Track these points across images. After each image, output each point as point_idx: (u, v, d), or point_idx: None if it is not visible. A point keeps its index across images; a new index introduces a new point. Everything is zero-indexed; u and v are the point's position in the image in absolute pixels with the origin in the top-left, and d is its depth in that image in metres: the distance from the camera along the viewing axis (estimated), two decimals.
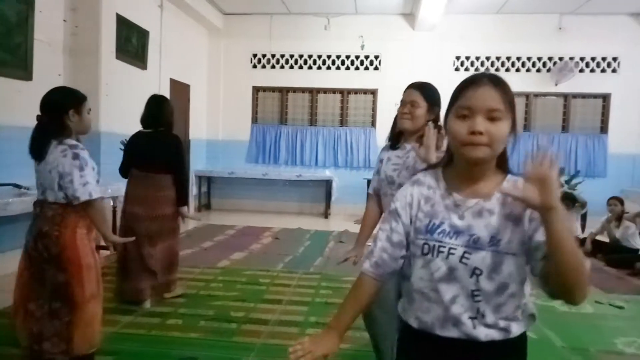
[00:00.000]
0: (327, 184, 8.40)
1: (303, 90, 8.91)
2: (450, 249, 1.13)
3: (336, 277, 4.35)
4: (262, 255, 5.27)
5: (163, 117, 3.48)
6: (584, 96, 8.31)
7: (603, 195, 6.30)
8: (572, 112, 8.37)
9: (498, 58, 8.40)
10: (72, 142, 2.23)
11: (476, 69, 8.34)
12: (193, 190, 7.99)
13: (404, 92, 2.17)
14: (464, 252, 1.12)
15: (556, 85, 8.18)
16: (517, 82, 8.17)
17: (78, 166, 2.16)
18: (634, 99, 8.10)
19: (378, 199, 2.34)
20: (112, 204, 4.93)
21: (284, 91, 8.97)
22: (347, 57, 8.71)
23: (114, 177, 3.81)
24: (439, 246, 1.15)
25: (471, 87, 1.13)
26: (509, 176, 1.17)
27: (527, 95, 8.38)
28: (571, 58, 8.13)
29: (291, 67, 8.87)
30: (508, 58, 8.38)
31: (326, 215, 8.46)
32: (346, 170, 8.75)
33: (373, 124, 8.76)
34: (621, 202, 5.88)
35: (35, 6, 4.49)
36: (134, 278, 3.41)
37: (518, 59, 8.36)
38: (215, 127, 9.05)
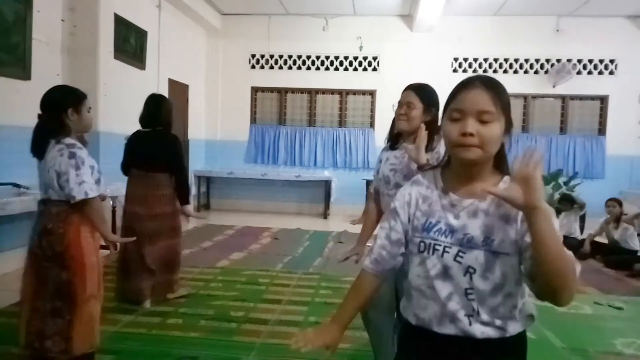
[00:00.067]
0: (326, 184, 8.41)
1: (302, 90, 8.92)
2: (445, 247, 1.16)
3: (335, 278, 4.35)
4: (262, 256, 5.26)
5: (161, 117, 3.47)
6: (581, 98, 8.34)
7: (601, 197, 6.32)
8: (570, 113, 8.40)
9: (496, 60, 8.42)
10: (70, 141, 2.23)
11: (474, 71, 8.37)
12: (192, 190, 7.97)
13: (402, 93, 2.18)
14: (458, 251, 1.14)
15: (554, 87, 8.21)
16: (514, 83, 8.22)
17: (74, 165, 2.15)
18: (631, 101, 8.13)
19: (378, 198, 2.35)
20: (111, 203, 4.92)
21: (282, 92, 8.97)
22: (346, 58, 8.72)
23: (112, 176, 3.79)
24: (435, 244, 1.17)
25: (463, 90, 1.15)
26: (507, 177, 1.17)
27: (525, 97, 8.41)
28: (569, 60, 8.17)
29: (290, 67, 8.88)
30: (506, 60, 8.41)
31: (325, 215, 8.47)
32: (345, 171, 8.76)
33: (372, 124, 8.77)
34: (620, 203, 5.90)
35: (33, 6, 4.49)
36: (134, 278, 3.40)
37: (516, 60, 8.39)
38: (214, 127, 9.05)
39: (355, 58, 8.71)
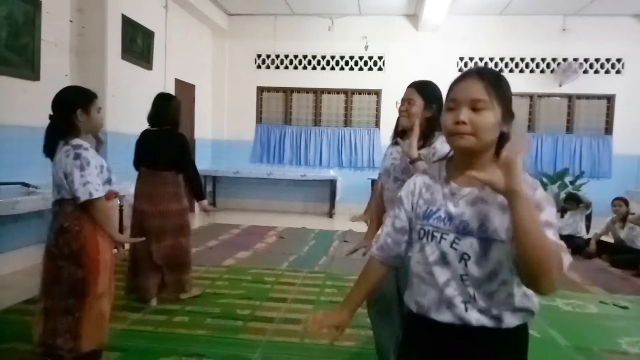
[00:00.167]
0: (332, 183, 8.43)
1: (307, 90, 8.94)
2: (442, 234, 1.19)
3: (341, 276, 4.37)
4: (267, 254, 5.29)
5: (169, 115, 3.49)
6: (588, 97, 8.30)
7: (608, 196, 6.30)
8: (577, 113, 8.36)
9: (502, 59, 8.40)
10: (78, 142, 2.25)
11: None
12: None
13: (405, 90, 2.22)
14: (455, 238, 1.17)
15: (560, 86, 8.18)
16: (521, 83, 8.20)
17: (79, 166, 2.18)
18: (638, 100, 8.07)
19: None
20: (118, 202, 4.97)
21: (288, 91, 9.00)
22: (351, 57, 8.73)
23: (120, 176, 3.83)
24: (433, 231, 1.21)
25: (459, 80, 1.20)
26: None
27: (531, 96, 8.38)
28: (575, 59, 8.13)
29: (295, 67, 8.90)
30: (512, 59, 8.38)
31: (330, 214, 8.49)
32: (350, 170, 8.77)
33: (377, 124, 8.77)
34: (626, 202, 5.88)
35: (42, 7, 4.54)
36: (141, 275, 3.44)
37: (522, 60, 8.36)
38: (220, 127, 9.09)
39: (361, 58, 8.71)
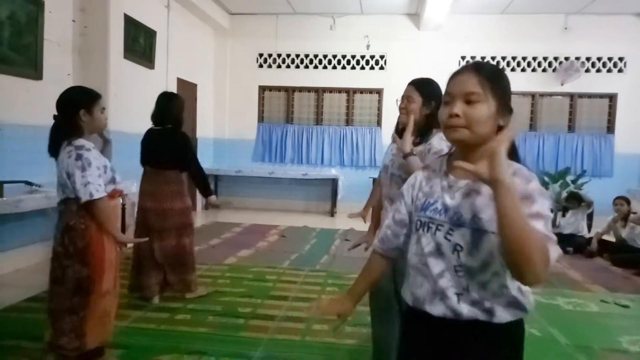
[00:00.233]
0: (333, 182, 8.45)
1: (309, 89, 8.95)
2: (438, 225, 1.20)
3: (342, 275, 4.39)
4: (269, 253, 5.31)
5: (171, 114, 3.50)
6: (590, 96, 8.29)
7: (610, 195, 6.29)
8: (579, 112, 8.35)
9: (503, 58, 8.40)
10: (80, 142, 2.26)
11: None
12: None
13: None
14: (449, 229, 1.18)
15: (562, 85, 8.18)
16: (522, 82, 8.21)
17: (80, 167, 2.19)
18: None
19: None
20: (121, 201, 4.99)
21: (289, 90, 9.01)
22: (353, 56, 8.74)
23: (122, 175, 3.86)
24: (429, 222, 1.23)
25: (455, 75, 1.22)
26: (510, 162, 1.18)
27: (532, 95, 8.38)
28: (577, 58, 8.12)
29: (297, 66, 8.91)
30: (514, 58, 8.38)
31: (332, 213, 8.50)
32: (352, 169, 8.78)
33: (379, 123, 8.78)
34: (627, 201, 5.88)
35: (44, 7, 4.55)
36: (144, 273, 3.47)
37: (524, 58, 8.36)
38: (222, 125, 9.11)
39: (363, 57, 8.72)
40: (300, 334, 3.06)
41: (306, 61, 8.87)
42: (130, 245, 3.29)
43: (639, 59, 8.04)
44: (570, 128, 8.38)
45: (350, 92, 8.84)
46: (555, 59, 8.25)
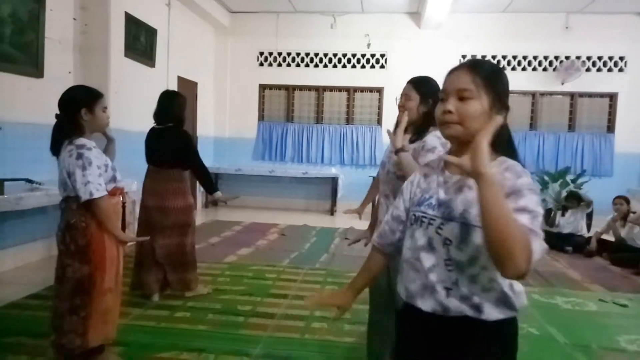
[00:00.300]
0: (333, 181, 8.45)
1: (309, 88, 8.95)
2: (430, 219, 1.22)
3: (341, 273, 4.40)
4: (269, 251, 5.32)
5: (173, 112, 3.50)
6: (590, 95, 8.29)
7: (609, 195, 6.29)
8: (579, 111, 8.35)
9: (504, 57, 8.39)
10: (81, 141, 2.27)
11: None
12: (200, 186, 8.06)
13: None
14: (440, 223, 1.20)
15: (562, 84, 8.17)
16: (523, 81, 8.22)
17: (80, 166, 2.20)
18: None
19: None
20: (121, 199, 5.00)
21: (290, 89, 9.02)
22: (353, 55, 8.74)
23: (122, 173, 3.87)
24: (422, 217, 1.25)
25: (450, 73, 1.24)
26: (502, 158, 1.20)
27: (533, 95, 8.38)
28: (578, 57, 8.12)
29: (297, 65, 8.92)
30: (514, 57, 8.38)
31: (332, 212, 8.51)
32: (352, 168, 8.79)
33: (379, 122, 8.78)
34: (627, 201, 5.89)
35: (46, 5, 4.56)
36: (144, 271, 3.48)
37: (524, 57, 8.36)
38: (222, 124, 9.12)
39: (363, 55, 8.72)
40: (300, 331, 3.07)
41: (307, 60, 8.87)
42: (130, 243, 3.29)
43: None
44: (571, 127, 8.39)
45: (350, 91, 8.84)
46: (556, 58, 8.25)
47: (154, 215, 3.47)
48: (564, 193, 6.91)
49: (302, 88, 8.98)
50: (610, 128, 8.28)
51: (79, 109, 2.29)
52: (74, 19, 5.09)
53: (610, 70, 8.18)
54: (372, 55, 8.70)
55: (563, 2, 7.61)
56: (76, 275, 2.28)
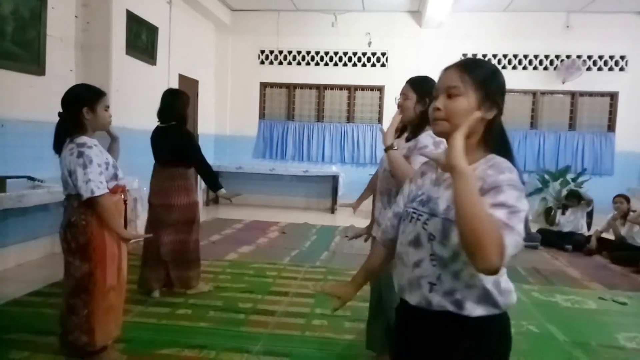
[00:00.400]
0: (334, 179, 8.46)
1: (310, 86, 8.96)
2: (419, 215, 1.24)
3: (342, 271, 4.41)
4: (269, 249, 5.34)
5: (175, 111, 3.52)
6: (591, 94, 8.29)
7: (610, 193, 6.28)
8: (580, 110, 8.35)
9: (505, 56, 8.39)
10: (83, 140, 2.28)
11: None
12: (201, 184, 8.07)
13: None
14: (426, 219, 1.22)
15: (563, 83, 8.17)
16: (524, 80, 8.22)
17: (81, 164, 2.22)
18: None
19: None
20: (123, 197, 5.02)
21: (291, 87, 9.02)
22: (354, 53, 8.74)
23: (124, 171, 3.89)
24: (412, 212, 1.27)
25: (443, 71, 1.26)
26: (491, 155, 1.21)
27: (534, 93, 8.38)
28: (578, 56, 8.12)
29: (298, 63, 8.92)
30: (515, 56, 8.37)
31: (332, 210, 8.52)
32: (352, 167, 8.80)
33: (380, 120, 8.79)
34: (627, 200, 5.90)
35: (47, 2, 4.57)
36: (148, 267, 3.54)
37: (525, 56, 8.35)
38: (223, 122, 9.13)
39: (364, 54, 8.72)
40: (300, 329, 3.09)
41: (307, 58, 8.88)
42: (134, 240, 3.31)
43: None
44: (571, 126, 8.39)
45: (351, 89, 8.85)
46: (557, 57, 8.24)
47: (159, 213, 3.51)
48: (564, 192, 6.93)
49: (303, 86, 8.99)
50: (611, 127, 8.28)
51: (80, 108, 2.30)
52: (76, 16, 5.10)
53: (610, 69, 8.17)
54: (373, 54, 8.70)
55: (564, 1, 7.60)
56: (77, 273, 2.29)
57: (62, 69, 4.86)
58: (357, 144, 8.80)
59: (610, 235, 5.91)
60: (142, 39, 6.19)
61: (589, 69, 8.14)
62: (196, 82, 8.15)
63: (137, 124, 5.41)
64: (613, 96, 8.22)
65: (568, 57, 8.15)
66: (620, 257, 5.34)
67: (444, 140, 1.23)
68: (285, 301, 3.60)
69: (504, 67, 8.34)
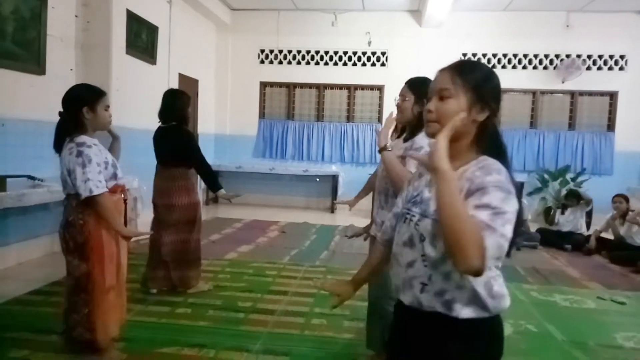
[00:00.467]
0: (334, 179, 8.46)
1: (310, 85, 8.97)
2: (412, 216, 1.25)
3: (341, 270, 4.42)
4: (269, 248, 5.35)
5: (175, 111, 3.53)
6: (590, 94, 8.30)
7: (610, 193, 6.29)
8: (579, 109, 8.36)
9: (505, 55, 8.40)
10: (82, 139, 2.29)
11: None
12: (201, 183, 8.08)
13: None
14: (418, 220, 1.23)
15: (563, 82, 8.17)
16: (523, 79, 8.23)
17: (80, 163, 2.23)
18: None
19: None
20: (123, 196, 5.03)
21: (291, 87, 9.03)
22: (354, 53, 8.75)
23: (123, 170, 3.90)
24: (406, 213, 1.28)
25: (437, 73, 1.27)
26: (482, 157, 1.21)
27: (533, 93, 8.39)
28: (578, 56, 8.12)
29: (298, 62, 8.93)
30: (515, 55, 8.38)
31: (332, 210, 8.53)
32: (352, 166, 8.81)
33: (379, 120, 8.79)
34: (626, 199, 5.90)
35: (48, 2, 4.58)
36: (152, 266, 3.57)
37: (525, 56, 8.36)
38: (223, 121, 9.14)
39: (364, 53, 8.73)
40: (299, 328, 3.10)
41: (307, 57, 8.88)
42: (135, 238, 3.33)
43: None
44: (571, 126, 8.39)
45: (351, 89, 8.85)
46: (557, 56, 8.25)
47: (161, 213, 3.55)
48: (563, 191, 6.94)
49: (302, 86, 9.00)
50: (611, 126, 8.29)
51: (80, 108, 2.31)
52: (76, 16, 5.11)
53: (610, 68, 8.18)
54: (373, 53, 8.71)
55: (564, 0, 7.61)
56: (76, 272, 2.31)
57: (63, 69, 4.87)
58: (356, 143, 8.81)
59: (609, 235, 5.92)
60: (142, 39, 6.19)
61: (588, 68, 8.15)
62: (196, 81, 8.16)
63: (137, 124, 5.42)
64: (613, 96, 8.22)
65: (568, 56, 8.15)
66: (619, 256, 5.35)
67: None
68: (284, 300, 3.61)
69: (503, 67, 8.35)
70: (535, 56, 8.33)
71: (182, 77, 7.51)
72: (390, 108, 8.35)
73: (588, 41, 8.08)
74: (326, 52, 8.81)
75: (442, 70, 1.24)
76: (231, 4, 8.59)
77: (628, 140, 8.13)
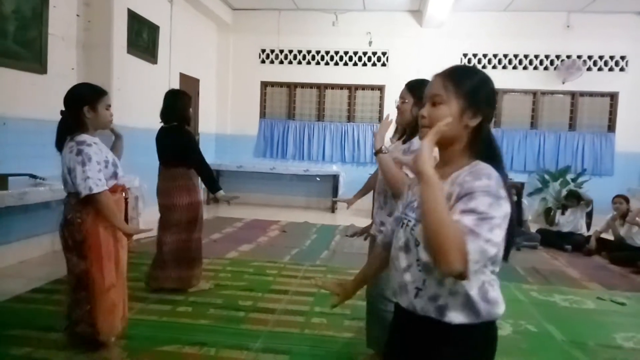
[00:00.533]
0: (334, 178, 8.47)
1: (311, 85, 8.98)
2: (408, 221, 1.26)
3: (342, 270, 4.43)
4: (270, 248, 5.36)
5: (176, 111, 3.54)
6: (591, 94, 8.30)
7: (610, 194, 6.29)
8: (580, 110, 8.36)
9: (505, 55, 8.40)
10: (82, 138, 2.30)
11: (483, 67, 8.35)
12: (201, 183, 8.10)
13: None
14: (413, 225, 1.24)
15: (563, 83, 8.18)
16: (524, 80, 8.24)
17: (80, 162, 2.24)
18: None
19: None
20: (124, 195, 5.04)
21: (292, 86, 9.04)
22: (355, 53, 8.76)
23: (124, 169, 3.91)
24: (403, 218, 1.30)
25: (431, 78, 1.28)
26: (475, 162, 1.21)
27: (534, 93, 8.40)
28: (579, 56, 8.13)
29: (299, 62, 8.93)
30: (515, 56, 8.38)
31: (333, 209, 8.54)
32: (353, 166, 8.82)
33: (380, 119, 8.78)
34: (626, 200, 5.91)
35: (49, 1, 4.59)
36: (155, 265, 3.60)
37: (525, 56, 8.36)
38: (224, 121, 9.15)
39: (365, 53, 8.74)
40: (300, 326, 3.11)
41: (308, 57, 8.89)
42: (137, 236, 3.34)
43: None
44: (571, 126, 8.40)
45: (352, 89, 8.86)
46: (557, 57, 8.25)
47: (163, 213, 3.58)
48: (564, 192, 6.94)
49: (303, 85, 9.01)
50: (611, 127, 8.29)
51: (81, 107, 2.32)
52: (77, 15, 5.12)
53: (611, 69, 8.18)
54: (374, 53, 8.72)
55: (564, 1, 7.61)
56: (76, 270, 2.32)
57: (64, 68, 4.88)
58: (357, 143, 8.82)
59: (609, 236, 5.93)
60: (143, 38, 6.20)
61: (589, 69, 8.15)
62: (197, 81, 8.17)
63: (138, 123, 5.43)
64: (613, 96, 8.23)
65: (568, 57, 8.16)
66: (619, 257, 5.36)
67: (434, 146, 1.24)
68: (285, 299, 3.62)
69: (504, 67, 8.36)
70: (536, 57, 8.34)
71: (183, 77, 7.52)
72: (390, 108, 8.38)
73: (588, 42, 8.09)
74: (327, 52, 8.82)
75: (436, 76, 1.26)
76: (232, 3, 8.60)
77: (628, 141, 8.13)
